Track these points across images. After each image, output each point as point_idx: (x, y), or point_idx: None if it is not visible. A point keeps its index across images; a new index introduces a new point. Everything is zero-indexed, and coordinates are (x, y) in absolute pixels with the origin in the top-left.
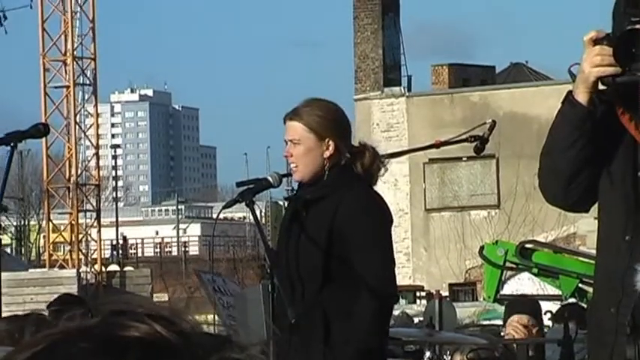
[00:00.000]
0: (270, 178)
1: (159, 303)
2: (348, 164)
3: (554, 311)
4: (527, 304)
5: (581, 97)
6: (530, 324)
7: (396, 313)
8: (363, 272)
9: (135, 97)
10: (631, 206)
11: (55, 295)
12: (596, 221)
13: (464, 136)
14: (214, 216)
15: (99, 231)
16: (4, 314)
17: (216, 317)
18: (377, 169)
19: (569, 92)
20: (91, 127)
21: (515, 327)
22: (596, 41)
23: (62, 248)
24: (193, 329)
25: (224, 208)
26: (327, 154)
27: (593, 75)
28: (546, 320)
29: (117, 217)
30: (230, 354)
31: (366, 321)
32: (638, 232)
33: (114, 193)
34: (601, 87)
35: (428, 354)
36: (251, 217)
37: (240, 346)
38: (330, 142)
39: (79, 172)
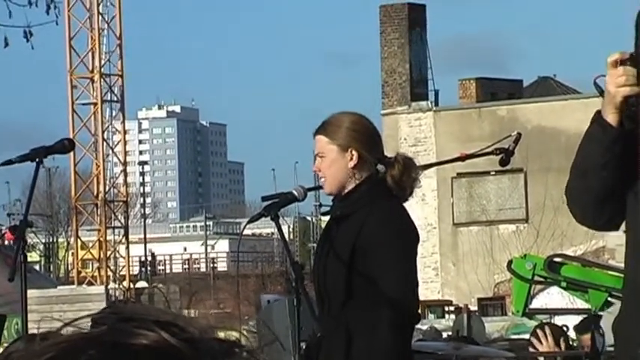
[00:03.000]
0: (295, 192)
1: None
2: (381, 178)
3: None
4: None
5: (610, 117)
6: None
7: (424, 327)
8: (384, 291)
9: (162, 113)
10: None
11: (84, 313)
12: (625, 234)
13: (489, 149)
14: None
15: (127, 247)
16: (32, 332)
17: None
18: (409, 181)
19: (598, 113)
20: (118, 143)
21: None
22: (620, 62)
23: (91, 265)
24: (202, 335)
25: (249, 222)
26: (351, 164)
27: (620, 95)
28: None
29: (145, 234)
30: (238, 359)
31: (386, 342)
32: None
33: (142, 210)
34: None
35: None
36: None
37: (249, 351)
38: (354, 152)
39: (107, 188)
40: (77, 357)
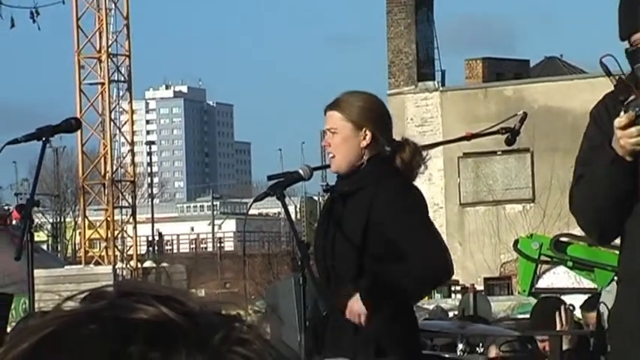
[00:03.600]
0: (301, 171)
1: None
2: (387, 157)
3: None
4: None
5: (626, 160)
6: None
7: (430, 307)
8: (415, 256)
9: (169, 93)
10: None
11: None
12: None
13: (495, 128)
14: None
15: (134, 227)
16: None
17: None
18: (417, 165)
19: (609, 146)
20: (125, 123)
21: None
22: (628, 124)
23: (98, 245)
24: (202, 309)
25: (255, 201)
26: (364, 143)
27: (636, 148)
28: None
29: (152, 214)
30: (237, 333)
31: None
32: None
33: (149, 190)
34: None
35: (460, 346)
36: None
37: (248, 325)
38: (367, 132)
39: (115, 168)
40: (78, 331)
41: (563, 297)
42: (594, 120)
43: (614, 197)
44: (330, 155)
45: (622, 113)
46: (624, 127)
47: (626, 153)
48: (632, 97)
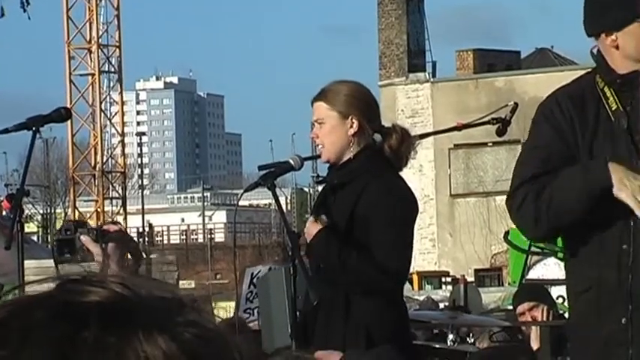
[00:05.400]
0: (291, 161)
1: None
2: (378, 148)
3: None
4: (523, 293)
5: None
6: (527, 309)
7: (421, 298)
8: (375, 252)
9: (160, 84)
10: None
11: None
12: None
13: (486, 119)
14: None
15: (125, 218)
16: None
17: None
18: (406, 151)
19: (606, 183)
20: (116, 114)
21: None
22: None
23: None
24: (150, 293)
25: (245, 191)
26: (351, 131)
27: None
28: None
29: (143, 205)
30: (189, 314)
31: (377, 309)
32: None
33: (139, 181)
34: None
35: (451, 336)
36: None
37: (195, 308)
38: (354, 120)
39: (105, 159)
40: (27, 318)
41: (553, 288)
42: (546, 119)
43: (580, 217)
44: (320, 146)
45: None
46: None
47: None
48: None
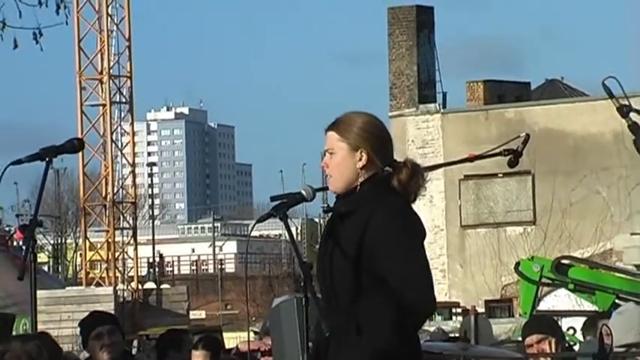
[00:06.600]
0: (303, 192)
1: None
2: (384, 178)
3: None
4: (532, 325)
5: None
6: (535, 342)
7: (431, 329)
8: (399, 285)
9: (171, 115)
10: None
11: None
12: (633, 237)
13: (497, 150)
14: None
15: (135, 249)
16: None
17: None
18: (415, 186)
19: None
20: (127, 145)
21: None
22: None
23: (99, 266)
24: None
25: (257, 222)
26: (359, 164)
27: None
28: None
29: (153, 235)
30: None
31: (390, 342)
32: None
33: (150, 211)
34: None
35: None
36: (286, 235)
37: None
38: (363, 153)
39: (116, 190)
40: None
41: (563, 319)
42: None
43: None
44: (329, 176)
45: None
46: None
47: None
48: None
